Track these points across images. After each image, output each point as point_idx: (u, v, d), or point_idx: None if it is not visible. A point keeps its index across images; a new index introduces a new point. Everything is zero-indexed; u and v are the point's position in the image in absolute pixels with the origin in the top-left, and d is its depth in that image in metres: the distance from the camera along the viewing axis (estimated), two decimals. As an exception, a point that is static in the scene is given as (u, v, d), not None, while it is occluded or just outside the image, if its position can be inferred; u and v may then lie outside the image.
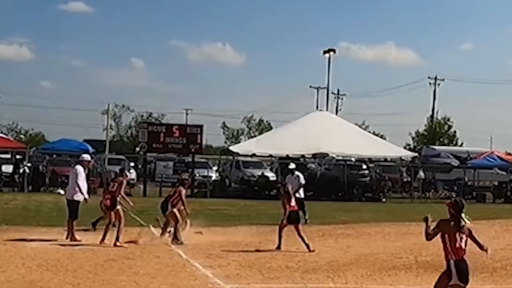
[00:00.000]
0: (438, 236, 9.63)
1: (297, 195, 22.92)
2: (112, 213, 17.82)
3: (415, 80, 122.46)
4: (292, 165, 25.46)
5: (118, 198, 17.88)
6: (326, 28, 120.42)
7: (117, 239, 17.37)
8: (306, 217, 23.56)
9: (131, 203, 18.55)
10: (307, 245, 17.16)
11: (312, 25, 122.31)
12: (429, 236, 9.72)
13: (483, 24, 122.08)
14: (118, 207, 17.81)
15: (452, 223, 9.58)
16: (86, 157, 19.06)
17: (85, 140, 52.25)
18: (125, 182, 18.40)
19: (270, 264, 15.24)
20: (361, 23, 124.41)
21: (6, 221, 21.56)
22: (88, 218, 19.53)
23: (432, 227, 9.69)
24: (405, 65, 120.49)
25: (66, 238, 17.86)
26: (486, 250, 9.92)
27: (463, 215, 9.56)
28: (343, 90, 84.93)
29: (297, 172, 24.34)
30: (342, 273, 14.29)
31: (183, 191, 18.64)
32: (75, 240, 17.63)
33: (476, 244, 9.83)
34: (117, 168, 34.47)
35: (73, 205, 18.00)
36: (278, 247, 17.25)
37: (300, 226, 17.52)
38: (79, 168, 18.30)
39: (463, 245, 9.52)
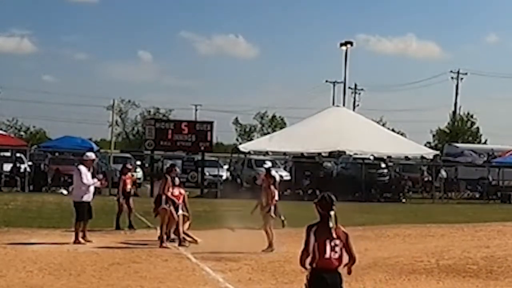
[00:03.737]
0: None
1: None
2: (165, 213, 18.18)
3: (436, 74, 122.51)
4: (268, 164, 25.35)
5: (163, 197, 18.19)
6: (344, 19, 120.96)
7: (168, 237, 17.91)
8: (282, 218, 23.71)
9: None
10: (269, 244, 17.66)
11: (329, 16, 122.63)
12: (303, 256, 8.05)
13: (509, 14, 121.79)
14: (165, 206, 18.05)
15: (322, 227, 8.09)
16: (90, 155, 18.90)
17: None
18: (169, 179, 18.46)
19: (284, 268, 15.22)
20: (380, 14, 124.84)
21: (6, 222, 21.62)
22: (96, 220, 19.57)
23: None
24: (426, 58, 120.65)
25: (74, 242, 17.80)
26: (349, 268, 8.21)
27: (332, 213, 8.15)
28: (361, 85, 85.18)
29: (273, 172, 24.19)
30: (359, 277, 14.21)
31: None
32: (79, 243, 17.63)
33: (347, 254, 8.12)
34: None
35: (81, 207, 17.92)
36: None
37: None
38: (82, 168, 18.11)
39: (333, 254, 7.99)
